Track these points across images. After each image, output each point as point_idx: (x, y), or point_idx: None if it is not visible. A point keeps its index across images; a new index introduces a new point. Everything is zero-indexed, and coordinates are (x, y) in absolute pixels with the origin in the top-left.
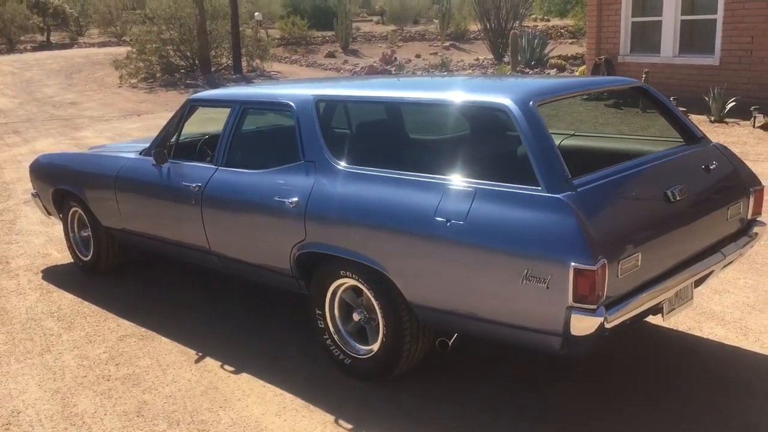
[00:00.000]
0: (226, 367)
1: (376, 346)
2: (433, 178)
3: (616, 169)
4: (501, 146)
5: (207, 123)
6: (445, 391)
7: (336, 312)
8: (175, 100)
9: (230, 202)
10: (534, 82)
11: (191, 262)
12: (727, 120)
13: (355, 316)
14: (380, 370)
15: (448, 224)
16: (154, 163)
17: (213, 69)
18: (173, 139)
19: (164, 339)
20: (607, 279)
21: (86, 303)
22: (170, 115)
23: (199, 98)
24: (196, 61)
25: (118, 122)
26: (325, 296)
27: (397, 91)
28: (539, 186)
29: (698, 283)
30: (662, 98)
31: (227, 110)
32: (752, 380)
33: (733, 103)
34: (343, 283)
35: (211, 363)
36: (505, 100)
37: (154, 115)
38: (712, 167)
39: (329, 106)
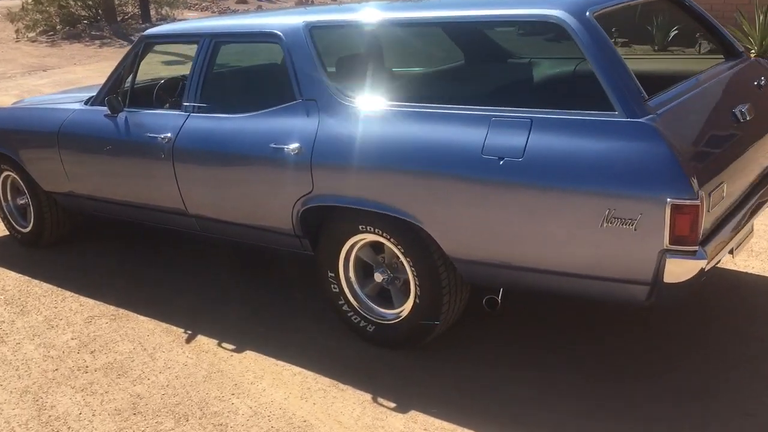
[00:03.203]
0: (224, 345)
1: (405, 309)
2: (475, 109)
3: (680, 89)
4: (556, 67)
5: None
6: (485, 353)
7: (352, 273)
8: (81, 53)
9: (210, 154)
10: None
11: (161, 225)
12: (671, 48)
13: (378, 277)
14: (413, 335)
15: (501, 163)
16: (107, 113)
17: (119, 19)
18: (127, 85)
19: (141, 317)
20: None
21: (35, 281)
22: (81, 69)
23: (155, 34)
24: (100, 11)
25: (23, 79)
26: (338, 256)
27: (416, 11)
28: (614, 110)
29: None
30: (699, 9)
31: (190, 47)
32: None
33: (676, 32)
34: (361, 240)
35: (205, 341)
36: (558, 12)
37: (62, 70)
38: (762, 83)
39: (326, 34)
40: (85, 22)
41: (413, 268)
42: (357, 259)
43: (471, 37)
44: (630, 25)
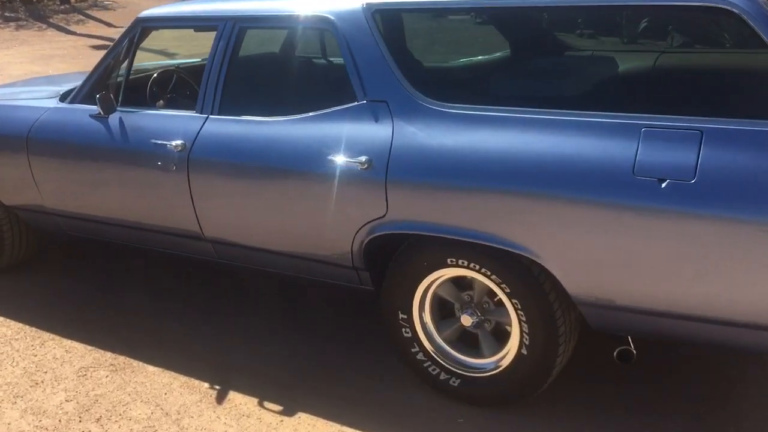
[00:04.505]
0: (268, 405)
1: (504, 359)
2: (616, 116)
3: None
4: (722, 62)
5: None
6: (592, 407)
7: (428, 314)
8: None
9: (239, 167)
10: None
11: (162, 249)
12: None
13: (465, 320)
14: (512, 391)
15: (663, 186)
16: (96, 113)
17: None
18: (120, 78)
19: (149, 367)
20: None
21: (1, 319)
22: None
23: (156, 17)
24: None
25: None
26: (414, 294)
27: None
28: None
29: None
30: None
31: (203, 34)
32: None
33: (645, 24)
34: (444, 275)
35: (242, 401)
36: None
37: None
38: None
39: (394, 18)
40: None
41: (521, 312)
42: (435, 297)
43: (604, 24)
44: None
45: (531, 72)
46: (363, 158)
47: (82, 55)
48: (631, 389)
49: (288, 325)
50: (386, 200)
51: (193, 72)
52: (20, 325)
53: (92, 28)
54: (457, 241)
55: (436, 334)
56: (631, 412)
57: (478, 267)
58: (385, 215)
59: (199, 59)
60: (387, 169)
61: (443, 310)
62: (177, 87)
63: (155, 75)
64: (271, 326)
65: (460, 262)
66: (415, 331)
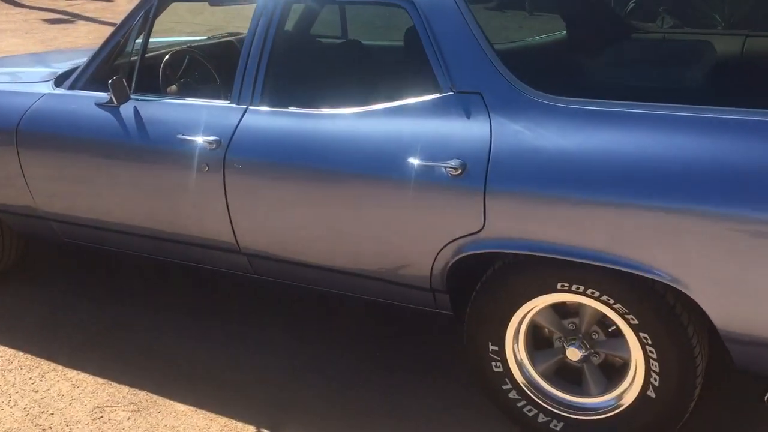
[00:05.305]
0: None
1: (624, 400)
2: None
3: None
4: None
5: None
6: None
7: (521, 345)
8: None
9: (287, 169)
10: None
11: (184, 261)
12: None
13: (572, 353)
14: None
15: None
16: (104, 101)
17: None
18: (134, 57)
19: (178, 405)
20: None
21: None
22: None
23: None
24: None
25: None
26: (509, 322)
27: None
28: None
29: None
30: None
31: (242, 8)
32: None
33: (633, 4)
34: (545, 301)
35: None
36: None
37: None
38: None
39: None
40: None
41: (651, 348)
42: (531, 325)
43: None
44: None
45: (659, 58)
46: (455, 162)
47: (36, 29)
48: None
49: (346, 347)
50: (484, 213)
51: (219, 51)
52: (13, 351)
53: (42, 0)
54: (575, 264)
55: (531, 368)
56: None
57: (597, 294)
58: (480, 230)
59: (224, 35)
60: (486, 175)
61: (537, 339)
62: (196, 70)
63: (167, 57)
64: (328, 351)
65: (574, 287)
66: (508, 365)
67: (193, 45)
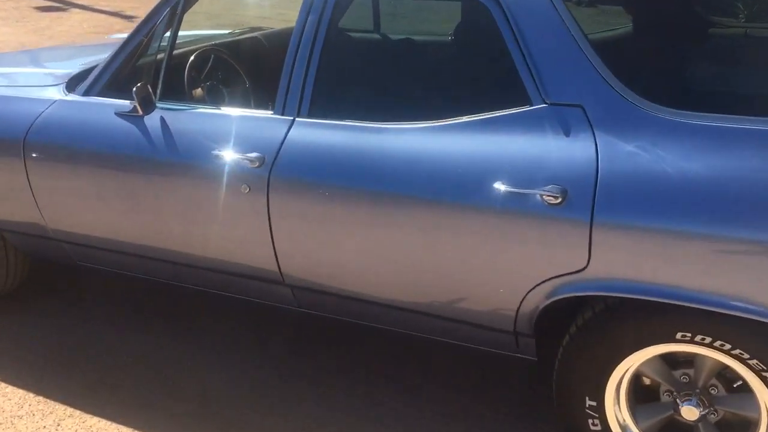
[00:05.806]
0: None
1: None
2: None
3: None
4: None
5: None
6: None
7: (623, 399)
8: None
9: (344, 191)
10: None
11: (215, 290)
12: None
13: (688, 412)
14: None
15: None
16: (126, 110)
17: None
18: (162, 55)
19: None
20: None
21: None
22: None
23: None
24: None
25: None
26: (610, 375)
27: None
28: None
29: None
30: None
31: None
32: None
33: None
34: (656, 351)
35: None
36: None
37: None
38: None
39: None
40: None
41: None
42: (635, 376)
43: None
44: None
45: None
46: (553, 188)
47: (27, 18)
48: None
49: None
50: (589, 249)
51: (245, 49)
52: (23, 392)
53: None
54: (702, 312)
55: (634, 427)
56: None
57: (726, 347)
58: (583, 269)
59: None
60: (593, 205)
61: (639, 392)
62: (220, 70)
63: (192, 58)
64: (383, 391)
65: (698, 338)
66: (607, 424)
67: (218, 43)
